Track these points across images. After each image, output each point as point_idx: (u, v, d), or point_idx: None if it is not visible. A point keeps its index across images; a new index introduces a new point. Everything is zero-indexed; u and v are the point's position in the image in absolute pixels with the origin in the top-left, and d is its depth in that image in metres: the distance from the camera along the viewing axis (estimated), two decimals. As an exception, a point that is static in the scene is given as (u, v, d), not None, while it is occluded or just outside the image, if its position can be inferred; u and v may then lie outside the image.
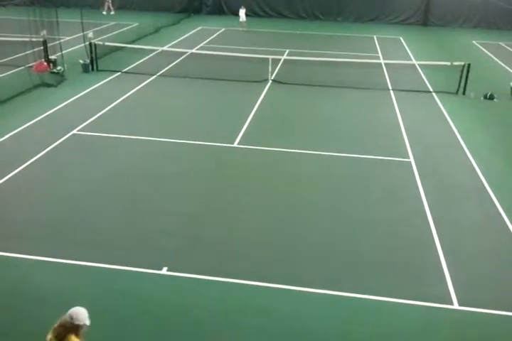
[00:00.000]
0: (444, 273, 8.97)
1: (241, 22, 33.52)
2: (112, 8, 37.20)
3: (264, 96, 19.03)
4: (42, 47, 20.76)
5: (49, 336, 5.66)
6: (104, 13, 36.49)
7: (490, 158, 13.98)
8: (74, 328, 5.49)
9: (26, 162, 12.67)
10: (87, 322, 5.52)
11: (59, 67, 20.58)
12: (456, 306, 8.19)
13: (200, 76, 21.04)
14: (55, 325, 5.62)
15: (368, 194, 11.79)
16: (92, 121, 15.65)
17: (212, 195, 11.53)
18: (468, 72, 19.83)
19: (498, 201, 11.54)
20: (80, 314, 5.51)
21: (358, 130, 15.85)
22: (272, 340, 7.39)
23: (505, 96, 19.75)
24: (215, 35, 31.60)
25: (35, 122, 15.45)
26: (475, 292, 8.54)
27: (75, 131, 14.77)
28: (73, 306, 5.55)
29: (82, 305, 5.71)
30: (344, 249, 9.62)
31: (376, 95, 19.67)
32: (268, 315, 7.84)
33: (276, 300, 8.17)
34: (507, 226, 10.57)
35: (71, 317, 5.48)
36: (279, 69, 22.50)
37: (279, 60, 23.34)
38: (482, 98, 19.56)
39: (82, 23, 23.15)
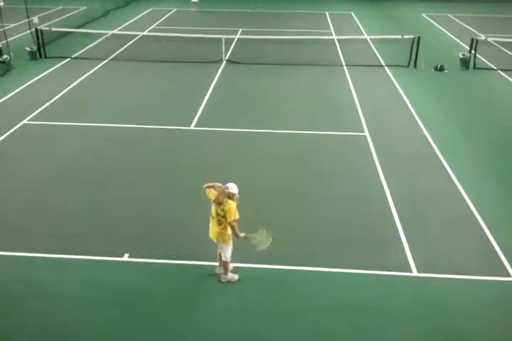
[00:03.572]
0: (402, 243, 9.20)
1: (192, 2, 32.97)
2: None
3: (219, 76, 18.90)
4: (-15, 36, 20.03)
5: (213, 203, 7.66)
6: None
7: (442, 129, 14.31)
8: (229, 196, 7.52)
9: (-24, 155, 12.32)
10: (237, 195, 7.60)
11: (5, 56, 19.82)
12: (415, 273, 8.44)
13: (152, 59, 20.71)
14: (214, 198, 7.60)
15: (325, 169, 11.94)
16: (42, 110, 15.26)
17: (169, 178, 11.46)
18: (418, 44, 20.11)
19: (452, 170, 11.85)
20: (234, 186, 7.59)
21: (314, 107, 15.94)
22: (238, 317, 7.49)
23: (454, 67, 20.14)
24: (166, 16, 31.06)
25: (-17, 113, 15.00)
26: (432, 259, 8.80)
27: (25, 121, 14.38)
28: (38, 300, 5.89)
29: (47, 296, 5.86)
30: (303, 225, 9.75)
31: (330, 71, 19.77)
32: (235, 295, 7.93)
33: (242, 279, 8.23)
34: (461, 193, 10.88)
35: (227, 188, 7.55)
36: (232, 49, 22.34)
37: (233, 39, 23.16)
38: (433, 70, 19.90)
39: (26, 8, 22.36)
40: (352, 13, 32.90)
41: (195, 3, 32.95)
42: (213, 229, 7.80)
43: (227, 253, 7.92)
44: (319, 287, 8.14)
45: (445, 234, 9.54)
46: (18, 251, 8.80)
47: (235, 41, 23.26)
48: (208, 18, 30.79)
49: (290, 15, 32.03)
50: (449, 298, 7.91)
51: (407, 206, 10.39)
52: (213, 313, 7.55)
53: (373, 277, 8.35)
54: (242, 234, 7.75)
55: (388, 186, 11.12)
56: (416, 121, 14.77)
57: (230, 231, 7.74)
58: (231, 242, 7.89)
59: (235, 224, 7.61)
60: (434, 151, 12.82)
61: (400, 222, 9.83)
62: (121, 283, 8.11)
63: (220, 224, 7.66)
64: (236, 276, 8.18)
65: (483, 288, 8.17)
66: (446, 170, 11.86)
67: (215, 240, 7.86)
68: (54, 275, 8.28)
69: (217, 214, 7.62)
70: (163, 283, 8.15)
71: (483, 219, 9.95)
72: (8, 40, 21.02)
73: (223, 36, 21.24)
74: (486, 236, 9.42)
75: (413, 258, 8.76)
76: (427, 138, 13.57)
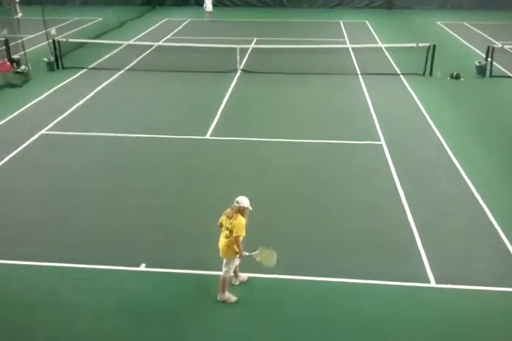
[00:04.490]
0: (419, 252, 9.11)
1: (207, 12, 33.21)
2: (18, 10, 30.34)
3: (234, 86, 18.97)
4: (4, 47, 20.30)
5: (222, 217, 7.64)
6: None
7: (459, 137, 14.19)
8: (240, 210, 7.43)
9: (-5, 165, 12.49)
10: (249, 207, 7.49)
11: (23, 67, 20.15)
12: (433, 284, 8.34)
13: (168, 69, 20.85)
14: (226, 211, 7.60)
15: (341, 177, 11.90)
16: (60, 120, 15.43)
17: (186, 187, 11.50)
18: (433, 52, 20.00)
19: (469, 178, 11.74)
20: (244, 200, 7.49)
21: (329, 115, 15.92)
22: (252, 327, 7.46)
23: (470, 75, 20.00)
24: (181, 26, 31.32)
25: (2, 124, 15.18)
26: (451, 269, 8.71)
27: (43, 131, 14.54)
28: (54, 309, 6.09)
29: (63, 306, 5.96)
30: (319, 234, 9.71)
31: (345, 80, 19.75)
32: (244, 305, 7.90)
33: (249, 290, 8.22)
34: (478, 202, 10.76)
35: (237, 202, 7.48)
36: (247, 59, 22.42)
37: (247, 49, 23.26)
38: (448, 78, 19.79)
39: (44, 20, 22.65)
40: (366, 21, 32.88)
41: (209, 12, 33.15)
42: (221, 241, 7.74)
43: (225, 268, 7.74)
44: (333, 297, 8.08)
45: (463, 243, 9.44)
46: (35, 261, 8.87)
47: (249, 50, 23.35)
48: (222, 28, 30.98)
49: (305, 24, 32.11)
50: (468, 311, 7.80)
51: (424, 214, 10.31)
52: (229, 323, 7.54)
53: (389, 288, 8.27)
54: (245, 253, 7.65)
55: (405, 194, 11.04)
56: (432, 129, 14.68)
57: (236, 247, 7.60)
58: (235, 258, 7.71)
59: (238, 239, 7.46)
60: (451, 159, 12.72)
61: (417, 231, 9.75)
62: (137, 293, 8.13)
63: (226, 238, 7.59)
64: (233, 298, 7.92)
65: (503, 300, 8.04)
66: (463, 178, 11.76)
67: (220, 253, 7.75)
68: (70, 284, 8.32)
69: (226, 227, 7.58)
70: (180, 293, 8.15)
71: (501, 227, 9.83)
72: (26, 51, 21.38)
73: (238, 46, 21.34)
74: (505, 246, 9.30)
75: (431, 269, 8.67)
76: (443, 146, 13.48)
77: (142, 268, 8.69)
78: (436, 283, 8.35)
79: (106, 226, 9.99)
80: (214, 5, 34.03)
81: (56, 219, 10.20)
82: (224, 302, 7.89)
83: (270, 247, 7.81)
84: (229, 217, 7.53)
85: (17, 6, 32.45)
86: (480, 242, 9.48)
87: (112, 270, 8.66)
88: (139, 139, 14.09)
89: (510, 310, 7.82)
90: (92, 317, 7.61)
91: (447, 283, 8.33)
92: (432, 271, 8.59)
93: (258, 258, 7.77)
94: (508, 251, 9.17)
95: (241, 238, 7.48)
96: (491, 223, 10.02)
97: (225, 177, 11.98)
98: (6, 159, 12.78)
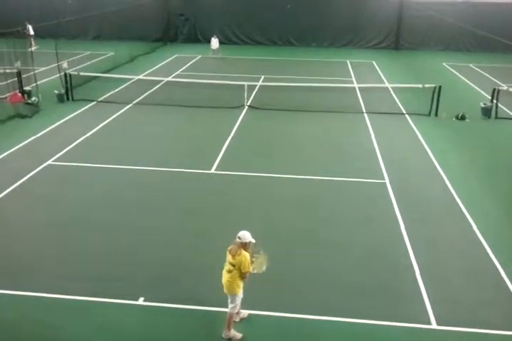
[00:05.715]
0: (421, 293, 9.00)
1: (213, 50, 33.84)
2: (33, 43, 33.05)
3: (241, 122, 19.18)
4: (16, 79, 20.71)
5: (227, 253, 7.57)
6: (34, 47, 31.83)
7: (463, 178, 14.19)
8: (243, 245, 7.42)
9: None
10: (253, 240, 7.45)
11: (33, 98, 20.51)
12: (434, 326, 8.21)
13: (176, 103, 21.14)
14: (229, 247, 7.55)
15: (345, 216, 11.86)
16: (67, 151, 15.59)
17: (189, 222, 11.48)
18: (439, 93, 20.24)
19: (473, 219, 11.68)
20: (245, 234, 7.45)
21: (334, 153, 16.01)
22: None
23: (476, 116, 20.17)
24: (190, 62, 31.90)
25: (9, 154, 15.34)
26: (453, 311, 8.58)
27: (49, 162, 14.67)
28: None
29: (57, 339, 5.79)
30: (321, 272, 9.62)
31: (351, 118, 19.94)
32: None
33: (251, 327, 8.10)
34: (482, 244, 10.68)
35: (239, 238, 7.43)
36: (254, 95, 22.72)
37: (255, 86, 23.61)
38: (454, 118, 19.94)
39: (56, 53, 23.17)
40: (373, 61, 33.40)
41: (214, 50, 33.74)
42: (224, 276, 7.73)
43: (231, 304, 7.70)
44: (333, 337, 7.95)
45: (466, 284, 9.32)
46: (31, 291, 8.83)
47: (257, 87, 23.70)
48: (231, 65, 31.52)
49: (312, 63, 32.64)
50: (471, 353, 7.66)
51: (426, 255, 10.22)
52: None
53: (390, 329, 8.15)
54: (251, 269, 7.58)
55: (408, 234, 10.98)
56: (437, 170, 14.70)
57: (239, 281, 7.58)
58: (239, 293, 7.69)
59: (247, 275, 7.53)
60: (455, 200, 12.69)
61: (419, 270, 9.65)
62: (135, 328, 8.02)
63: (229, 272, 7.56)
64: (239, 335, 7.82)
65: (506, 343, 7.90)
66: (467, 219, 11.70)
67: (224, 288, 7.70)
68: (65, 316, 8.25)
69: (229, 262, 7.57)
70: (181, 329, 8.05)
71: (503, 268, 9.73)
72: (38, 83, 21.75)
73: (246, 83, 21.68)
74: (509, 288, 9.17)
75: (432, 310, 8.54)
76: (447, 187, 13.47)
77: (140, 302, 8.60)
78: (438, 324, 8.22)
79: (106, 258, 9.94)
80: (222, 42, 34.66)
81: (56, 251, 10.17)
82: (229, 339, 7.79)
83: (266, 255, 7.80)
84: (232, 254, 7.49)
85: (32, 39, 33.47)
86: (482, 284, 9.36)
87: (111, 303, 8.57)
88: (144, 172, 14.18)
89: (514, 356, 7.67)
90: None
91: (449, 325, 8.20)
92: (434, 313, 8.47)
93: (254, 265, 7.65)
94: (511, 293, 9.03)
95: (248, 274, 7.51)
96: (494, 265, 9.92)
97: (229, 211, 11.97)
98: (11, 188, 12.86)
